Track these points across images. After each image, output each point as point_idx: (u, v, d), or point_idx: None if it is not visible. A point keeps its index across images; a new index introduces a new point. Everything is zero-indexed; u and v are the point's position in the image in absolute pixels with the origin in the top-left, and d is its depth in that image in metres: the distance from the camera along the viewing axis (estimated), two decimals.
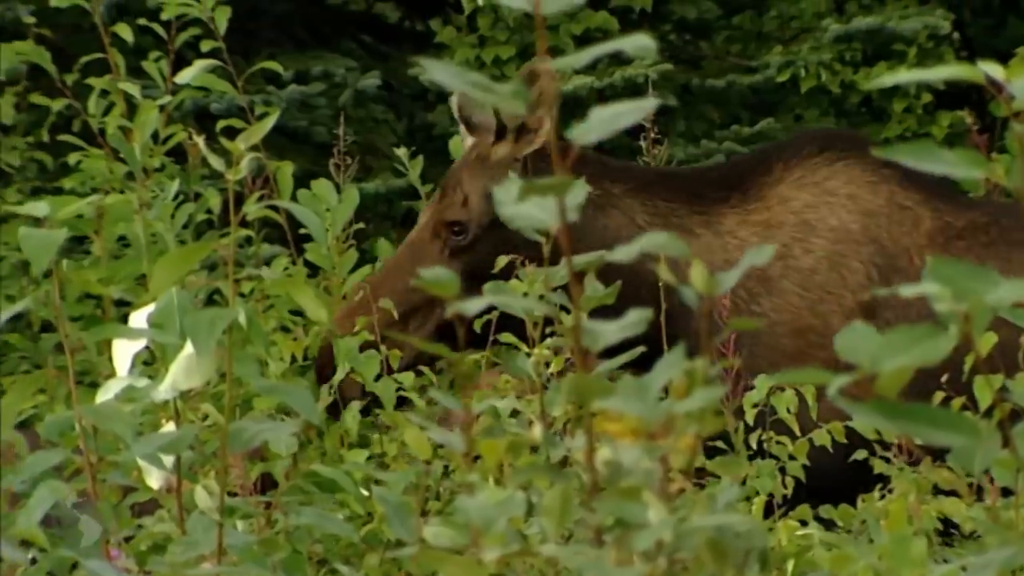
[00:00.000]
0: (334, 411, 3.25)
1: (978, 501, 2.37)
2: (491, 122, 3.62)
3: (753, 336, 3.42)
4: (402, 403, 3.22)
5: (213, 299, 4.14)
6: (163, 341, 2.02)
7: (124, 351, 2.13)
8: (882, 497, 2.52)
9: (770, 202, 3.60)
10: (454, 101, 3.67)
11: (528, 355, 2.37)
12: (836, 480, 3.24)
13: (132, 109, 4.30)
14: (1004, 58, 5.80)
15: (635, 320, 1.57)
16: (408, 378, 3.15)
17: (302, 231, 4.35)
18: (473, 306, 1.55)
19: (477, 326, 3.13)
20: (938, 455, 2.52)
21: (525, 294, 2.83)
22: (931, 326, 1.40)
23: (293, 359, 3.36)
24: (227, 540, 1.96)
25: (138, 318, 2.08)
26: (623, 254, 1.53)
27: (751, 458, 2.94)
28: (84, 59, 4.47)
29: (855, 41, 6.40)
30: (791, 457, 2.86)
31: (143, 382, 2.06)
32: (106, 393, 2.07)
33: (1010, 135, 5.74)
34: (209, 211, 4.30)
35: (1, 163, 5.37)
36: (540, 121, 3.51)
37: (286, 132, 6.16)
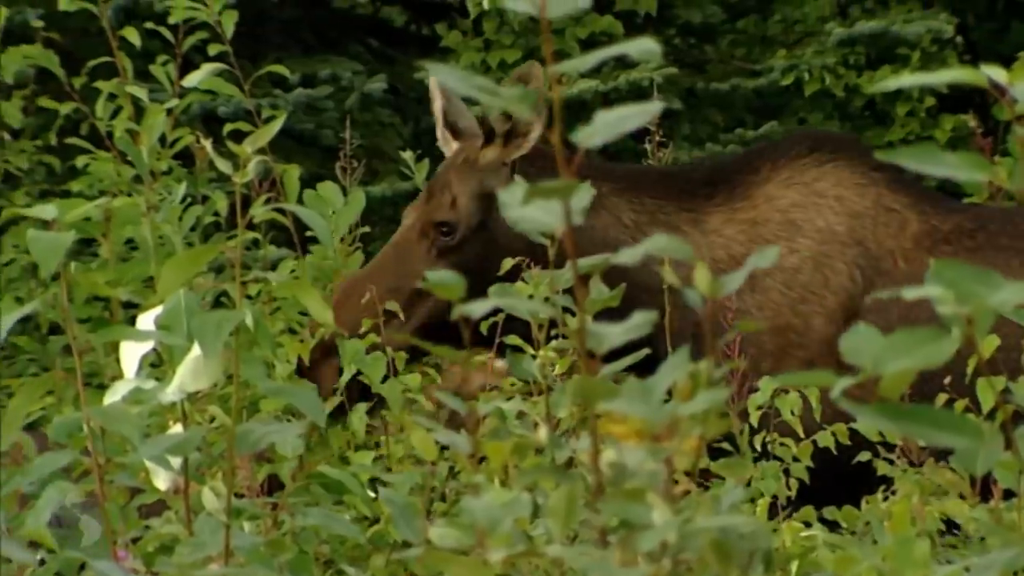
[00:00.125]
0: (340, 412, 3.26)
1: (981, 502, 2.38)
2: (475, 127, 3.66)
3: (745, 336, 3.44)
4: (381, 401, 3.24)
5: (220, 301, 4.15)
6: (170, 343, 2.03)
7: (132, 353, 2.13)
8: (885, 498, 2.52)
9: (757, 201, 3.62)
10: (438, 106, 3.69)
11: (534, 357, 2.38)
12: (836, 479, 3.25)
13: (140, 112, 4.31)
14: (1007, 62, 5.80)
15: (639, 322, 1.58)
16: (414, 380, 3.16)
17: (309, 234, 4.36)
18: (479, 308, 1.56)
19: (484, 327, 3.13)
20: (941, 456, 2.52)
21: (530, 296, 2.84)
22: (934, 328, 1.41)
23: (300, 361, 3.37)
24: (234, 541, 1.97)
25: (145, 320, 2.09)
26: (627, 257, 1.54)
27: (755, 460, 2.95)
28: (92, 63, 4.48)
29: (859, 45, 6.40)
30: (795, 459, 2.87)
31: (151, 384, 2.07)
32: (114, 395, 2.08)
33: (1013, 138, 5.75)
34: (216, 214, 4.31)
35: (10, 166, 5.38)
36: (529, 126, 3.54)
37: (293, 135, 6.18)
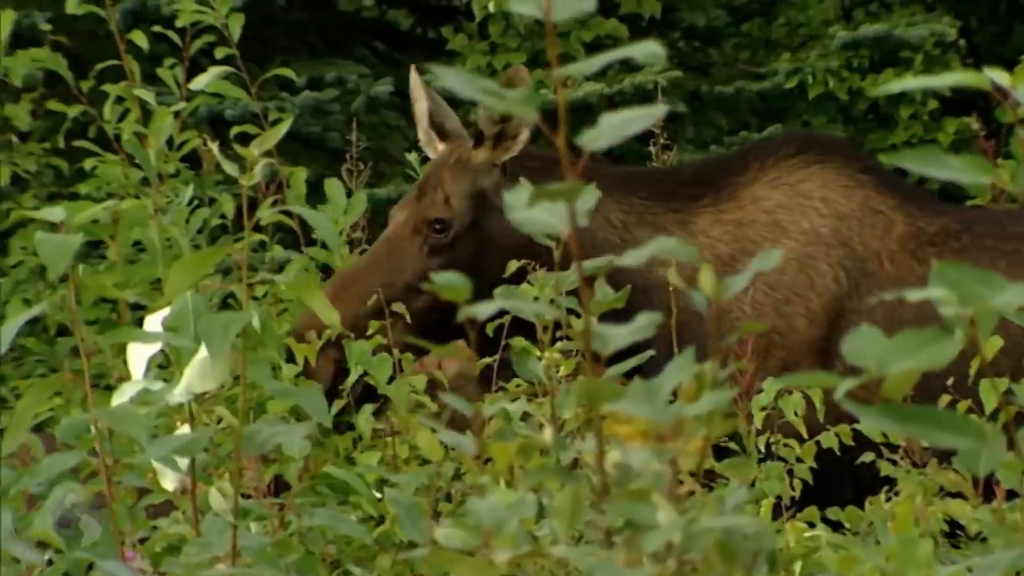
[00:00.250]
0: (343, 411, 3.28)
1: (984, 503, 2.38)
2: (460, 128, 3.70)
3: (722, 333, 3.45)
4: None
5: (227, 303, 4.16)
6: (178, 344, 2.03)
7: (139, 354, 2.14)
8: (889, 499, 2.53)
9: (743, 202, 3.63)
10: (422, 107, 3.73)
11: (539, 359, 2.39)
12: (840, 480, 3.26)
13: (147, 115, 4.32)
14: (1010, 65, 5.80)
15: (645, 324, 1.58)
16: (420, 381, 3.17)
17: (315, 235, 4.37)
18: (485, 310, 1.57)
19: (489, 329, 3.15)
20: (944, 457, 2.53)
21: (535, 298, 2.84)
22: (937, 330, 1.42)
23: (306, 362, 3.38)
24: (241, 541, 1.97)
25: (153, 322, 2.10)
26: (632, 259, 1.54)
27: (759, 461, 2.95)
28: (100, 66, 4.50)
29: (862, 48, 6.41)
30: (799, 460, 2.87)
31: (158, 385, 2.07)
32: (121, 396, 2.09)
33: (1016, 141, 5.75)
34: (223, 216, 4.32)
35: (18, 169, 5.40)
36: (518, 128, 3.57)
37: (300, 138, 6.19)
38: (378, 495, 2.60)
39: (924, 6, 6.63)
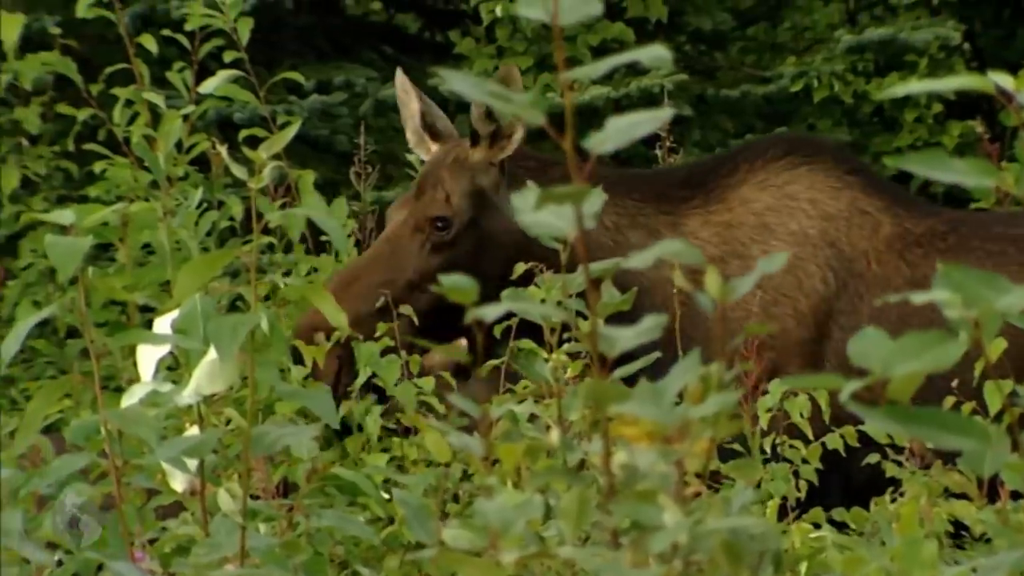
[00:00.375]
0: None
1: (988, 504, 2.39)
2: (451, 128, 3.74)
3: (707, 333, 3.47)
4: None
5: (236, 305, 4.18)
6: (187, 346, 2.04)
7: (148, 356, 2.15)
8: (894, 500, 2.54)
9: (732, 203, 3.65)
10: (414, 108, 3.75)
11: (546, 361, 2.40)
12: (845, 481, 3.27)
13: (156, 119, 4.34)
14: (1014, 68, 5.81)
15: (651, 326, 1.59)
16: (428, 383, 3.18)
17: (323, 238, 4.38)
18: (492, 312, 1.58)
19: (497, 331, 3.16)
20: (949, 459, 2.53)
21: (542, 300, 2.86)
22: (942, 332, 1.43)
23: (314, 364, 3.39)
24: (250, 542, 1.98)
25: (162, 324, 2.11)
26: (638, 261, 1.55)
27: (765, 462, 2.96)
28: (109, 69, 4.51)
29: (867, 52, 6.42)
30: (804, 461, 2.88)
31: (167, 387, 2.08)
32: (131, 398, 2.09)
33: (1020, 144, 5.75)
34: (232, 219, 4.34)
35: (28, 172, 5.41)
36: (513, 127, 3.59)
37: (308, 141, 6.20)
38: (386, 496, 2.61)
39: (929, 10, 6.64)
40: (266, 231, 3.62)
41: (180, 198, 4.24)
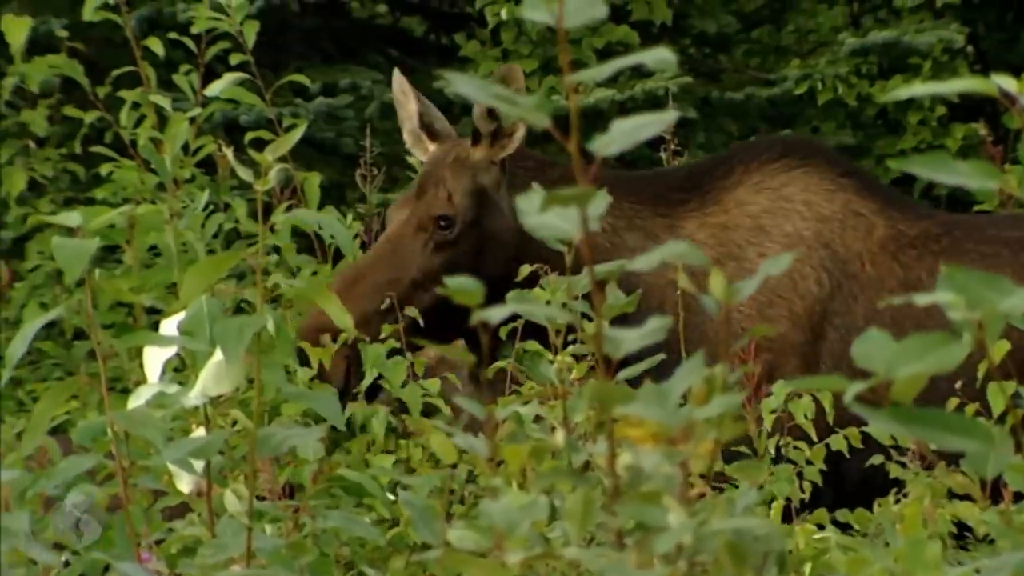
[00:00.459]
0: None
1: (992, 505, 2.39)
2: (449, 128, 3.74)
3: (702, 334, 3.48)
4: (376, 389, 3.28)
5: (241, 307, 4.19)
6: (193, 348, 2.05)
7: (155, 358, 2.16)
8: (897, 501, 2.54)
9: (727, 205, 3.67)
10: (412, 108, 3.77)
11: (551, 362, 2.40)
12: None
13: (163, 121, 4.35)
14: (1017, 71, 5.79)
15: (656, 328, 1.60)
16: (434, 384, 3.19)
17: (330, 241, 4.39)
18: (497, 314, 1.58)
19: (503, 333, 3.17)
20: (952, 460, 2.54)
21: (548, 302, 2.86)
22: (945, 334, 1.43)
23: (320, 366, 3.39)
24: (256, 543, 1.99)
25: (169, 325, 2.11)
26: (643, 263, 1.56)
27: (774, 462, 2.97)
28: (116, 72, 4.52)
29: (871, 55, 6.42)
30: (808, 462, 2.89)
31: (174, 388, 2.09)
32: (137, 399, 2.10)
33: (1022, 147, 5.76)
34: (236, 221, 4.35)
35: (35, 174, 5.42)
36: (515, 126, 3.61)
37: (314, 143, 6.21)
38: (392, 497, 2.61)
39: (932, 13, 6.64)
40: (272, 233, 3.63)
41: (186, 200, 4.25)
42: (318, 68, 6.45)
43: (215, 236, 4.22)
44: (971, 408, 2.81)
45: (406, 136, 3.81)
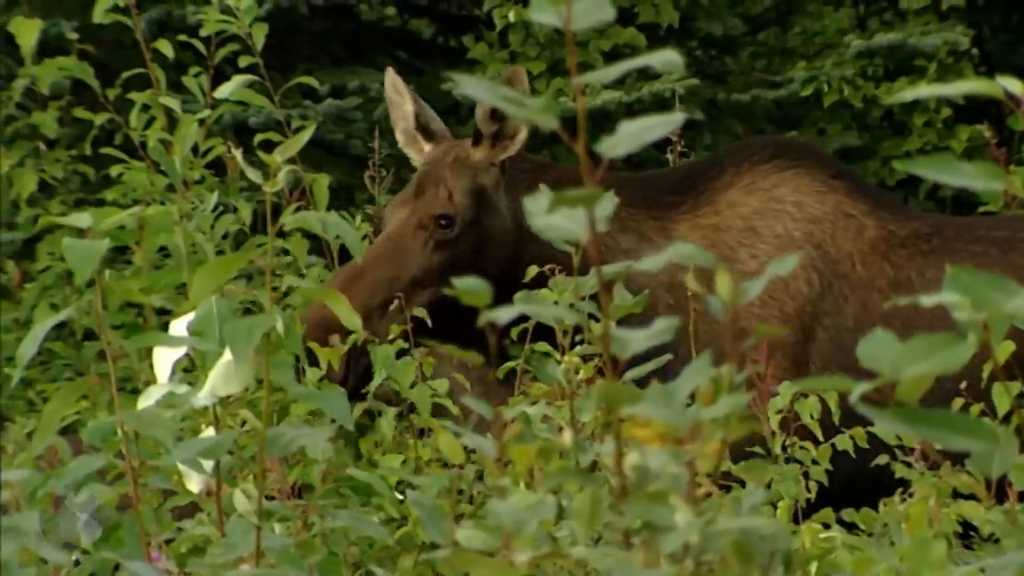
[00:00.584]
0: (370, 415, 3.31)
1: (997, 505, 2.40)
2: (444, 129, 3.76)
3: (694, 334, 3.50)
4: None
5: (249, 308, 4.20)
6: (203, 348, 2.06)
7: (165, 358, 2.17)
8: (903, 501, 2.55)
9: (719, 207, 3.69)
10: (409, 110, 3.79)
11: (559, 363, 2.41)
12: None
13: (172, 123, 4.36)
14: (1022, 73, 5.79)
15: (663, 328, 1.61)
16: (442, 384, 3.20)
17: (338, 241, 4.40)
18: (505, 314, 1.59)
19: (514, 334, 3.18)
20: (957, 460, 2.55)
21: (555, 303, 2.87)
22: (951, 334, 1.44)
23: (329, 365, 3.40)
24: (265, 543, 2.00)
25: (178, 326, 2.12)
26: (650, 264, 1.57)
27: (787, 461, 2.98)
28: (126, 74, 4.54)
29: (877, 57, 6.42)
30: (814, 462, 2.90)
31: (183, 388, 2.10)
32: (147, 399, 2.11)
33: None
34: (246, 223, 4.36)
35: (45, 175, 5.44)
36: (516, 128, 3.63)
37: (323, 145, 6.22)
38: (400, 497, 2.62)
39: (938, 15, 6.64)
40: (281, 235, 3.64)
41: (196, 201, 4.26)
42: (327, 70, 6.46)
43: (224, 237, 4.23)
44: (976, 408, 2.81)
45: (399, 136, 3.83)
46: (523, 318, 3.04)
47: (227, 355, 2.04)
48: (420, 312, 3.47)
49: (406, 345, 3.27)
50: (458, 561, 1.64)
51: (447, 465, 3.01)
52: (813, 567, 2.24)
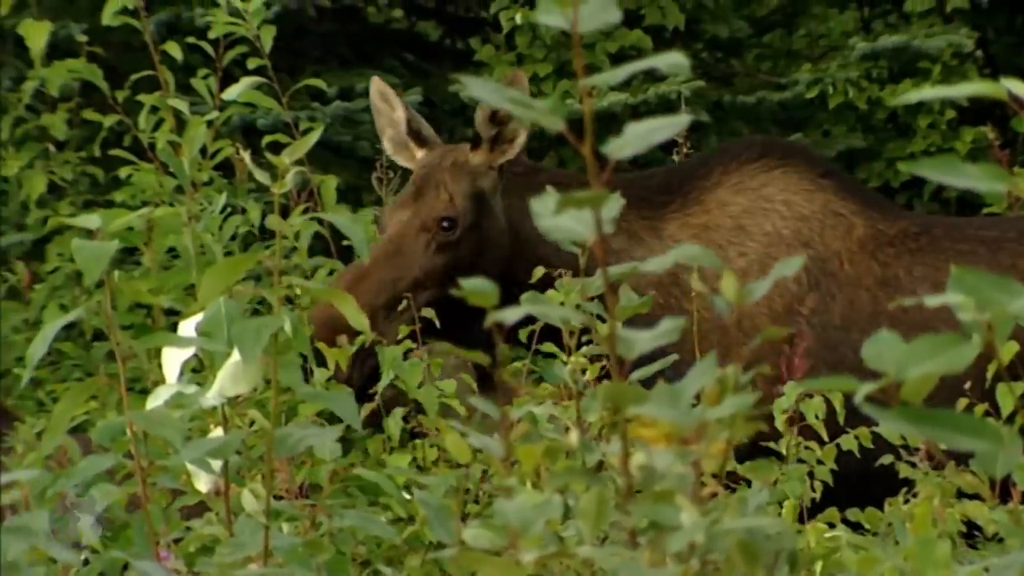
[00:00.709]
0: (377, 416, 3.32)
1: (1001, 504, 2.40)
2: (435, 135, 3.81)
3: (685, 332, 3.51)
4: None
5: (257, 309, 4.21)
6: (211, 349, 2.06)
7: (173, 359, 2.18)
8: (907, 501, 2.55)
9: (708, 206, 3.70)
10: (400, 116, 3.81)
11: (565, 363, 2.42)
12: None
13: (181, 125, 4.38)
14: None
15: (669, 328, 1.61)
16: (450, 385, 3.21)
17: (345, 243, 4.41)
18: (512, 314, 1.60)
19: (523, 335, 3.20)
20: (962, 460, 2.56)
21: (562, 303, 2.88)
22: (955, 335, 1.44)
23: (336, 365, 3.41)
24: (273, 542, 2.00)
25: (187, 327, 2.13)
26: (655, 265, 1.58)
27: (799, 461, 2.99)
28: (135, 76, 4.55)
29: (881, 59, 6.43)
30: (819, 462, 2.90)
31: (192, 389, 2.10)
32: (156, 399, 2.12)
33: None
34: (254, 224, 4.37)
35: (55, 177, 5.45)
36: (516, 131, 3.65)
37: (330, 147, 6.23)
38: (407, 496, 2.63)
39: (942, 18, 6.64)
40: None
41: (204, 203, 4.27)
42: (335, 72, 6.47)
43: (232, 238, 4.25)
44: (980, 408, 2.82)
45: (386, 143, 3.85)
46: (527, 320, 3.05)
47: (235, 355, 2.05)
48: (428, 313, 3.48)
49: (413, 346, 3.28)
50: (465, 560, 1.65)
51: (454, 465, 3.02)
52: (818, 566, 2.25)
